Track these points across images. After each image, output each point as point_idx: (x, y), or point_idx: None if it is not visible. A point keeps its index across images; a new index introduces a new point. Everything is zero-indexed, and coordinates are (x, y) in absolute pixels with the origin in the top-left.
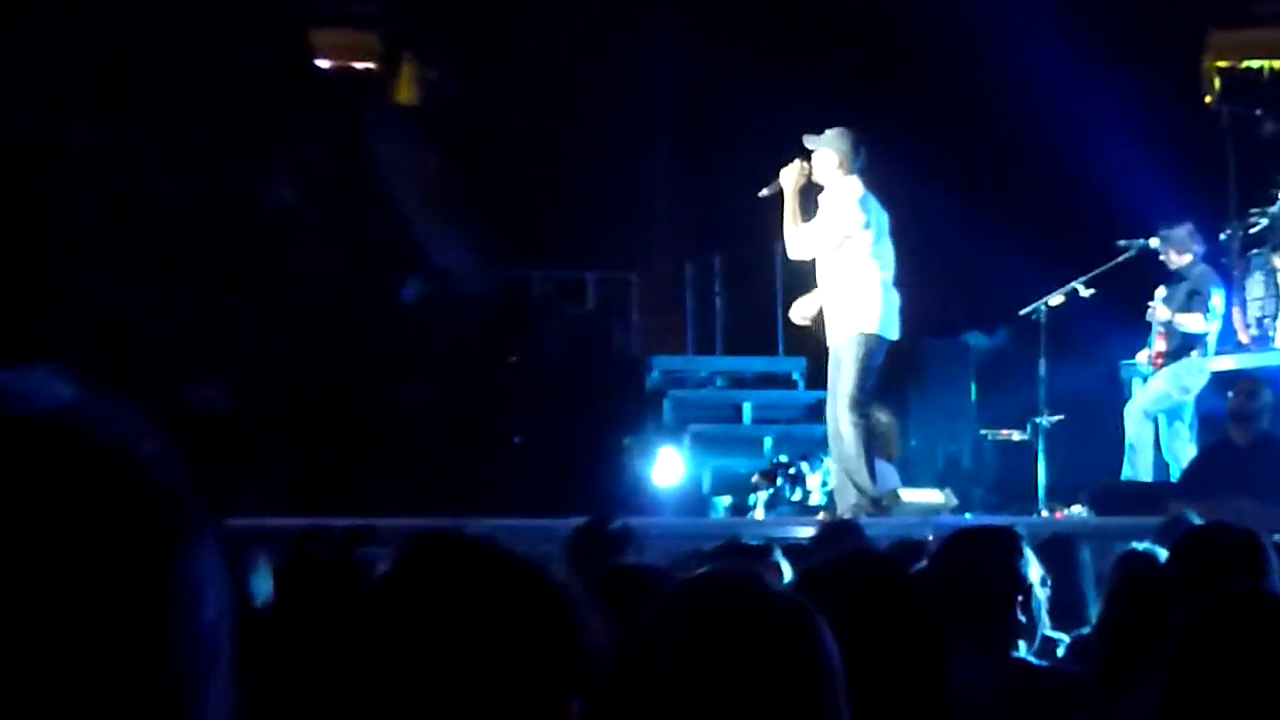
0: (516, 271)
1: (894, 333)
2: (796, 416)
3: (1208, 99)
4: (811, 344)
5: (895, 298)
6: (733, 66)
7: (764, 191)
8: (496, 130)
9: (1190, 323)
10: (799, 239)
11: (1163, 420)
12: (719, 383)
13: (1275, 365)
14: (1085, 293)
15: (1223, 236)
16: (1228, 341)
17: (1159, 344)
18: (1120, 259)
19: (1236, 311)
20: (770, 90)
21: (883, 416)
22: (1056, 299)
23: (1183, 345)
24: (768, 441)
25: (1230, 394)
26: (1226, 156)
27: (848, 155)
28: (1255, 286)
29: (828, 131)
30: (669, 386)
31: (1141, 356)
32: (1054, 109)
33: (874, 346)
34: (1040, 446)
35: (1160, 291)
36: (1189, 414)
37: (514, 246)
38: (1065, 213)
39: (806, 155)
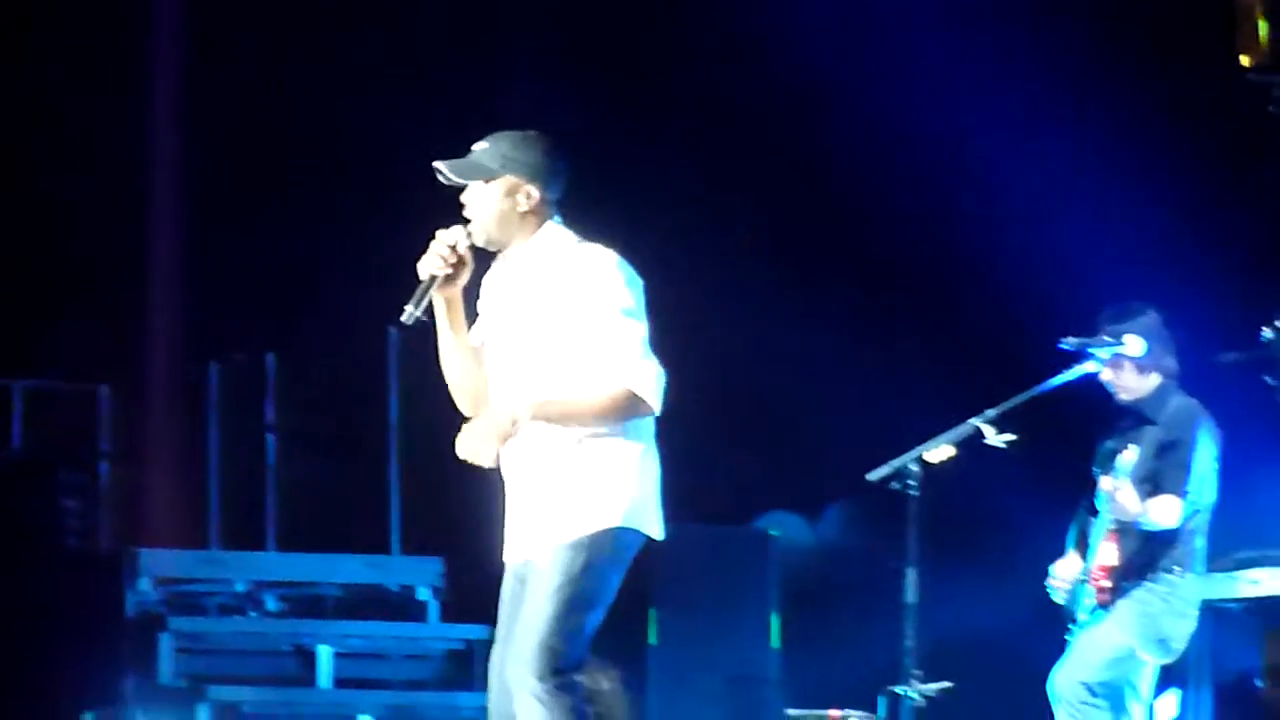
0: None
1: (657, 525)
2: (426, 677)
3: (1245, 59)
4: (450, 529)
5: (656, 457)
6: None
7: (410, 311)
8: None
9: (1162, 512)
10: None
11: (1129, 695)
12: (271, 605)
13: None
14: (996, 439)
15: (1266, 334)
16: (1249, 540)
17: (1106, 551)
18: (1067, 376)
19: None
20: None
21: (603, 681)
22: (938, 451)
23: (1152, 554)
24: None
25: (1267, 651)
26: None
27: (541, 172)
28: None
29: (494, 140)
30: (171, 610)
31: (1063, 570)
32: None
33: (613, 555)
34: None
35: (1129, 455)
36: (1172, 697)
37: None
38: (955, 296)
39: (458, 212)
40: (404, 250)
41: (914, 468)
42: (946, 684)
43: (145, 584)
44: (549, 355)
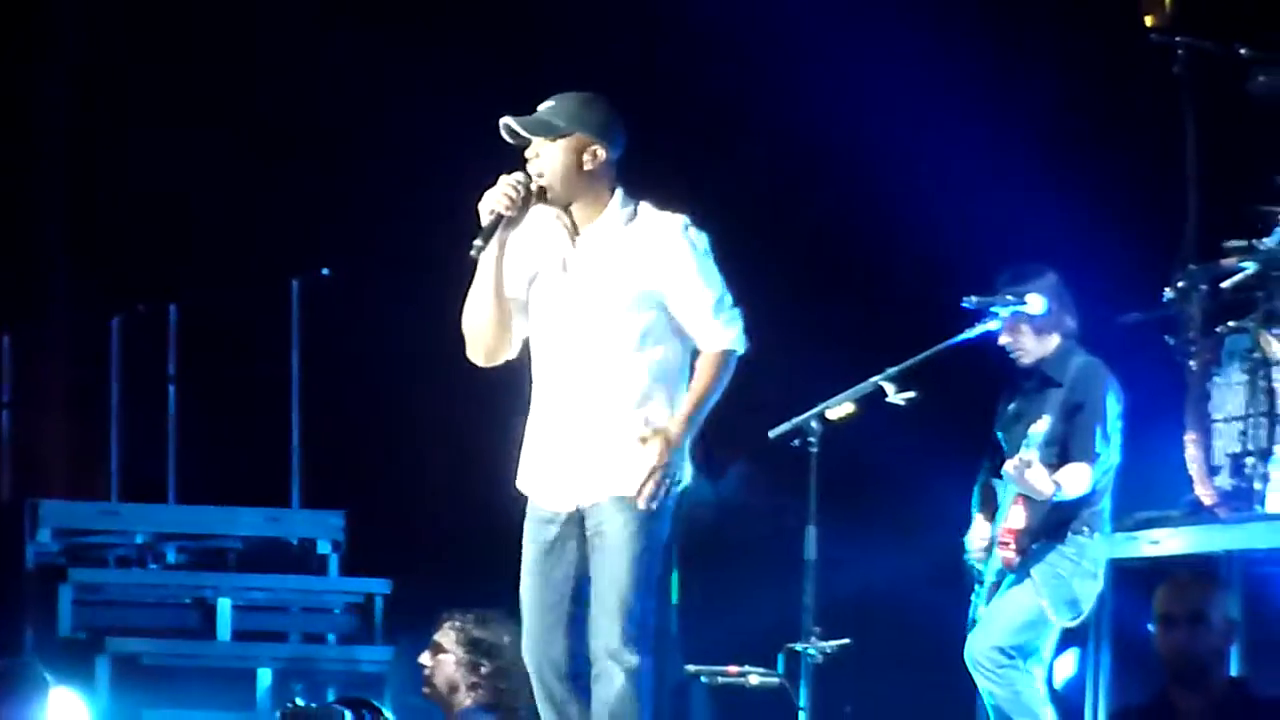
0: None
1: None
2: (326, 631)
3: (1149, 19)
4: (351, 482)
5: None
6: None
7: (479, 245)
8: None
9: (1074, 482)
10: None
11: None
12: (171, 557)
13: (1266, 550)
14: (897, 397)
15: (1168, 294)
16: (1150, 499)
17: (1014, 514)
18: (969, 335)
19: (1193, 443)
20: None
21: (504, 635)
22: (839, 409)
23: (1060, 517)
24: (264, 679)
25: (1156, 600)
26: (1183, 137)
27: (607, 132)
28: (1229, 394)
29: (560, 99)
30: (71, 561)
31: (976, 538)
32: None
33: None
34: (802, 697)
35: (1042, 425)
36: (1070, 656)
37: None
38: (857, 254)
39: (517, 158)
40: (308, 204)
41: (815, 425)
42: (845, 641)
43: (45, 535)
44: (638, 323)
